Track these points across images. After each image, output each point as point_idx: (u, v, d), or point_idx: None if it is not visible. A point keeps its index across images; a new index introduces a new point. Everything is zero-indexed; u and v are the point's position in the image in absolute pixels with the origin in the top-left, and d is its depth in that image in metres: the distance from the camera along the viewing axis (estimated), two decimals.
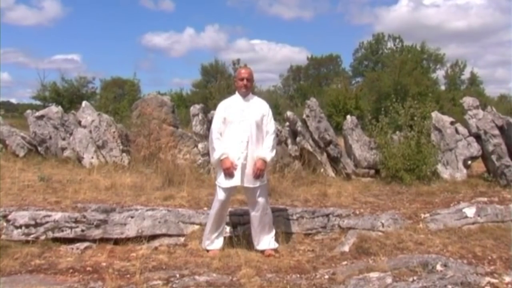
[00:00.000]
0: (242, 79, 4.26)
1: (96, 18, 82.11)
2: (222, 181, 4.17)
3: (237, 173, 4.11)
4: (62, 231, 4.41)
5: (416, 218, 4.99)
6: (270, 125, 4.27)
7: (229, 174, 4.10)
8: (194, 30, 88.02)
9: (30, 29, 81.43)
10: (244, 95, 4.28)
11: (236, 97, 4.32)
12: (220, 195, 4.18)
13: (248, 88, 4.31)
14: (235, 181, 4.13)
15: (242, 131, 4.14)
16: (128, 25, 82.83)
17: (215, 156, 4.18)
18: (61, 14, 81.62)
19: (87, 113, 8.67)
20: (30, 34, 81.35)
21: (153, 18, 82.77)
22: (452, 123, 7.65)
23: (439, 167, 7.29)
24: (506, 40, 68.03)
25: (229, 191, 4.22)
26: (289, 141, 7.61)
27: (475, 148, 7.31)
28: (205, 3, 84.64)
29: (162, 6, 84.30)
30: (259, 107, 4.27)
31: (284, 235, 4.60)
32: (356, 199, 5.76)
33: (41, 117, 8.86)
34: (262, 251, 4.25)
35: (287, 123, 7.91)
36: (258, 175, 4.13)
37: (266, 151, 4.18)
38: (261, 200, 4.20)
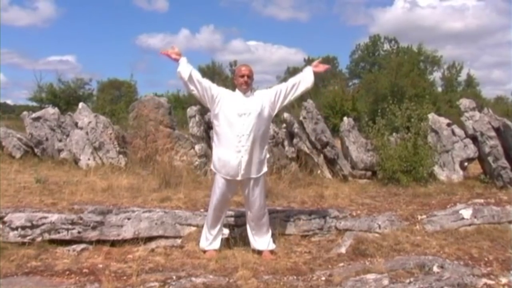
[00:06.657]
0: (242, 76, 4.17)
1: (89, 19, 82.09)
2: (220, 171, 4.12)
3: (237, 167, 4.04)
4: (59, 232, 4.40)
5: (413, 219, 4.98)
6: (280, 87, 4.30)
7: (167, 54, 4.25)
8: (189, 31, 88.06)
9: (24, 30, 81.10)
10: (245, 92, 4.18)
11: (236, 92, 4.22)
12: (218, 189, 4.15)
13: (249, 85, 4.21)
14: (234, 173, 4.06)
15: (241, 125, 4.04)
16: (123, 26, 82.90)
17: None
18: (55, 15, 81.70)
19: (83, 114, 8.65)
20: (24, 35, 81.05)
21: (148, 19, 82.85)
22: (448, 124, 7.66)
23: (436, 169, 7.31)
24: (502, 41, 68.61)
25: (227, 186, 4.15)
26: (286, 142, 7.61)
27: (471, 150, 7.33)
28: (199, 4, 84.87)
29: (156, 6, 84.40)
30: (259, 98, 4.19)
31: (281, 237, 4.59)
32: (352, 201, 5.76)
33: (37, 119, 8.86)
34: (260, 252, 4.23)
35: (284, 125, 7.91)
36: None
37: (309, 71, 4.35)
38: (258, 197, 4.17)
